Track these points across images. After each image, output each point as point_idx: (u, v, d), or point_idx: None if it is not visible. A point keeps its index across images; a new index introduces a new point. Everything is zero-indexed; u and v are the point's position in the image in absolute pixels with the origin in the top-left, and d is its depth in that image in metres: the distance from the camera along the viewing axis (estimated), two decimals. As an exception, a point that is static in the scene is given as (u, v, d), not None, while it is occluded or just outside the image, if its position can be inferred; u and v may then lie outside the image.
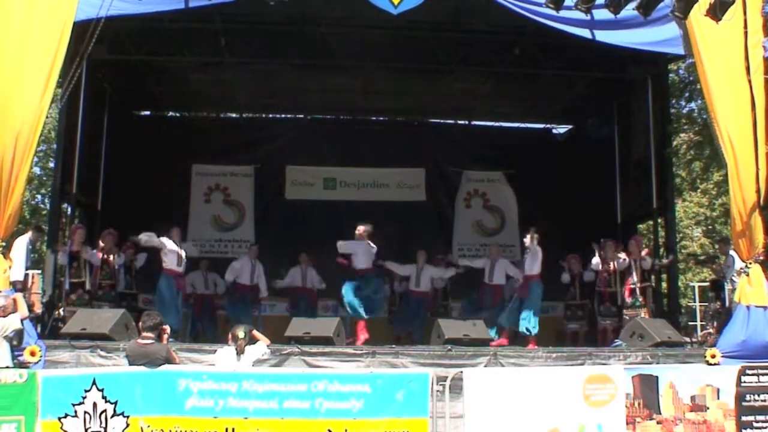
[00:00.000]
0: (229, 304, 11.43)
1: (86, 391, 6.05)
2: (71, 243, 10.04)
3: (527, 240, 10.05)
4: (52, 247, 10.24)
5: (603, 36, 9.03)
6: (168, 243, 9.89)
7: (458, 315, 10.90)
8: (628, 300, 9.98)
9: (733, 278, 9.08)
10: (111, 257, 10.25)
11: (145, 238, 9.76)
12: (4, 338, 6.86)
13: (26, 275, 9.77)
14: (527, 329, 9.79)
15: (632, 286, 10.01)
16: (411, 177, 14.46)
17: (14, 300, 7.21)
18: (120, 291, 10.56)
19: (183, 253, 10.05)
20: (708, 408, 6.84)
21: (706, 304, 12.64)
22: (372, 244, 10.03)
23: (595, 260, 10.32)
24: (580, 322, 11.01)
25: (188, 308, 11.48)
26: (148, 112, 14.86)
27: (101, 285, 10.10)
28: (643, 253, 10.20)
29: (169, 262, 9.93)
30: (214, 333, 11.19)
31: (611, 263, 10.26)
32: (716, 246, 19.23)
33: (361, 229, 10.07)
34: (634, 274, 10.02)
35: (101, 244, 10.25)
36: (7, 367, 6.55)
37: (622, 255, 10.13)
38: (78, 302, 9.70)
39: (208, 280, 11.98)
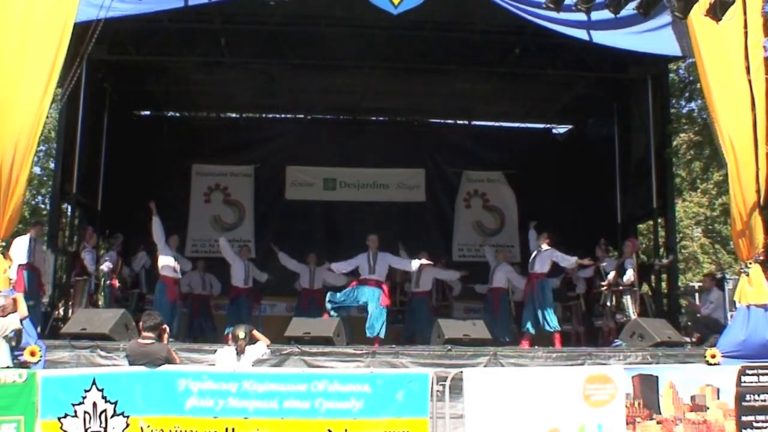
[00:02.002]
0: (228, 308, 11.43)
1: (86, 391, 6.04)
2: (90, 245, 10.16)
3: (541, 240, 10.12)
4: (53, 246, 10.26)
5: (601, 38, 9.02)
6: (164, 258, 10.21)
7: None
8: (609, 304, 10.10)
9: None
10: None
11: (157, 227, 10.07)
12: (3, 338, 6.85)
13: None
14: (551, 327, 9.87)
15: (601, 289, 10.16)
16: (411, 177, 14.47)
17: (14, 300, 7.19)
18: (140, 291, 11.19)
19: (178, 266, 10.39)
20: (708, 408, 6.83)
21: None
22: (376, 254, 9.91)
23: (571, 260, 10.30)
24: (569, 323, 11.06)
25: (187, 308, 11.54)
26: (148, 112, 14.86)
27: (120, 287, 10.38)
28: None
29: (165, 270, 10.22)
30: (212, 333, 11.20)
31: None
32: (715, 246, 19.36)
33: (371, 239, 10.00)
34: (611, 276, 10.07)
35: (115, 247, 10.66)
36: (7, 367, 6.55)
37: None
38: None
39: (205, 280, 12.00)
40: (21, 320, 7.09)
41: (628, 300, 9.87)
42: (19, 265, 8.94)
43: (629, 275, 9.90)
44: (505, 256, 11.68)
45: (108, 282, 10.19)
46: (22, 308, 7.19)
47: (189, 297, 11.61)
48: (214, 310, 12.34)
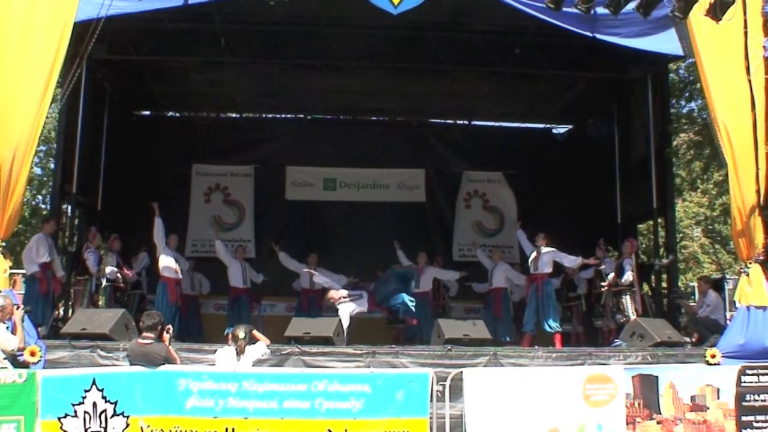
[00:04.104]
0: (228, 308, 11.41)
1: (86, 391, 6.05)
2: (93, 245, 10.18)
3: (539, 241, 10.11)
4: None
5: (604, 35, 9.02)
6: (165, 258, 10.24)
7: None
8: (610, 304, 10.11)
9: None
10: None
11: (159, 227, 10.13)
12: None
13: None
14: (552, 328, 9.88)
15: (602, 290, 10.17)
16: (411, 178, 14.44)
17: (15, 306, 6.96)
18: (141, 293, 11.20)
19: (178, 267, 10.39)
20: (708, 408, 6.85)
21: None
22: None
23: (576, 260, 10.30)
24: (569, 323, 11.06)
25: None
26: (148, 112, 14.85)
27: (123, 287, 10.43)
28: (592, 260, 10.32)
29: (166, 270, 10.25)
30: (200, 333, 11.20)
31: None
32: (714, 249, 19.37)
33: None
34: (610, 277, 10.06)
35: (115, 248, 10.65)
36: (7, 367, 6.53)
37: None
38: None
39: (194, 280, 11.97)
40: (15, 332, 6.66)
41: (626, 300, 9.88)
42: (42, 264, 8.96)
43: (628, 276, 9.90)
44: (501, 256, 11.67)
45: (110, 285, 10.21)
46: (20, 334, 6.73)
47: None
48: (214, 310, 12.36)
